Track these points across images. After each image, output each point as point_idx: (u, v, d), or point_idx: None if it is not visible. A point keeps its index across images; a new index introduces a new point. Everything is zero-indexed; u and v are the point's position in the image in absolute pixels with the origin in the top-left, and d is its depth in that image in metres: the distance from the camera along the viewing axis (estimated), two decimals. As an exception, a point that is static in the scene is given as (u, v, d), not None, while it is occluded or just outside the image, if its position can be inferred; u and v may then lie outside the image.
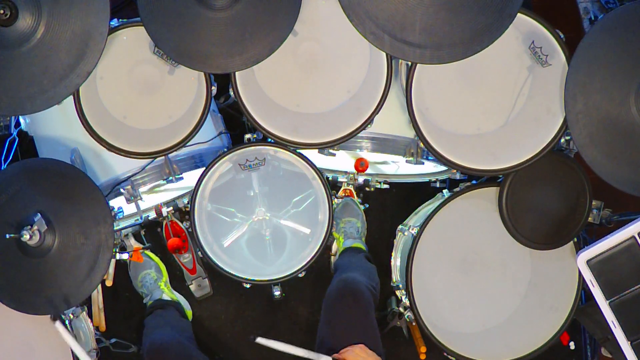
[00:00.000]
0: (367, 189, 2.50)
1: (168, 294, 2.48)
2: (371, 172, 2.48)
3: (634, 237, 1.87)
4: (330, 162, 2.29)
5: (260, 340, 1.77)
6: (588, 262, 1.91)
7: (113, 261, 2.22)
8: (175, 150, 2.06)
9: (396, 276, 2.38)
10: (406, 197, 2.65)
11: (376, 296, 2.12)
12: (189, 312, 2.51)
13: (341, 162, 2.37)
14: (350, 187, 2.48)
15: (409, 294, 2.13)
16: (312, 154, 2.17)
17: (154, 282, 2.49)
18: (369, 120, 2.04)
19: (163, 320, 2.34)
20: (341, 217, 2.51)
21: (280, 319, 2.62)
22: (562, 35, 1.93)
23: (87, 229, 1.91)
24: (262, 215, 2.22)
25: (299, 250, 2.21)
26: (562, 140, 2.04)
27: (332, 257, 2.50)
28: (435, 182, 2.41)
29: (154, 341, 2.13)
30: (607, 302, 1.90)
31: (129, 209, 2.26)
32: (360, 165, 2.24)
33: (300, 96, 2.08)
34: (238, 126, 2.50)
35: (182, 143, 2.05)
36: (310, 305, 2.64)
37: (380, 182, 2.47)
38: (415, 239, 2.13)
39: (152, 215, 2.38)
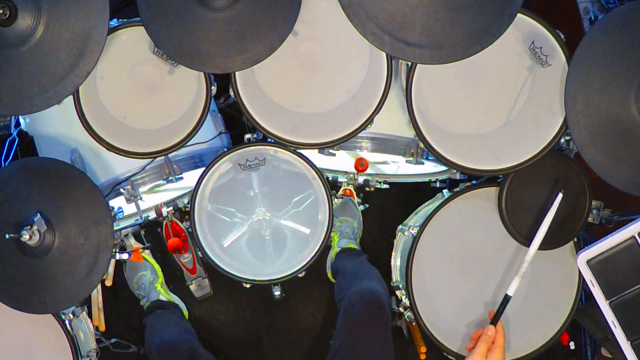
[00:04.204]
0: (367, 189, 2.51)
1: (165, 295, 2.49)
2: (371, 172, 2.48)
3: (634, 237, 1.87)
4: (330, 162, 2.29)
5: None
6: (588, 262, 1.91)
7: (113, 261, 2.22)
8: (175, 150, 2.06)
9: (396, 276, 2.38)
10: (406, 197, 2.65)
11: (391, 306, 2.13)
12: (185, 313, 2.52)
13: (341, 162, 2.37)
14: (350, 187, 2.49)
15: (409, 294, 2.13)
16: (312, 154, 2.17)
17: (150, 283, 2.49)
18: (369, 120, 2.04)
19: (166, 320, 2.35)
20: (338, 215, 2.52)
21: (280, 319, 2.62)
22: (562, 35, 1.93)
23: (87, 229, 1.91)
24: (262, 215, 2.22)
25: (299, 250, 2.21)
26: (562, 140, 2.04)
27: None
28: (435, 182, 2.41)
29: (164, 340, 2.14)
30: (607, 302, 1.90)
31: (129, 209, 2.26)
32: (360, 165, 2.25)
33: (300, 96, 2.07)
34: (238, 126, 2.50)
35: (182, 143, 2.05)
36: (310, 305, 2.64)
37: (380, 182, 2.47)
38: (415, 239, 2.13)
39: (152, 215, 2.38)
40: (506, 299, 1.90)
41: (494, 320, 1.90)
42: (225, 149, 2.15)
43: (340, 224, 2.53)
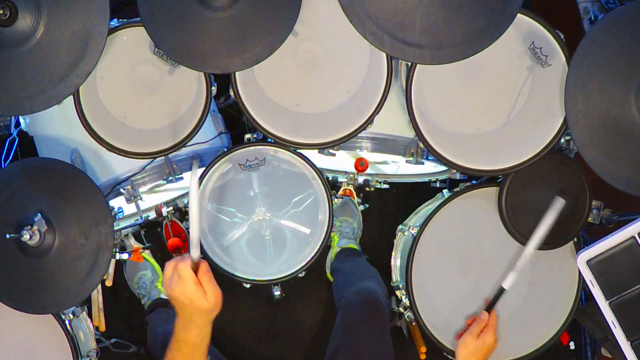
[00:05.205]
0: (367, 189, 2.51)
1: (165, 293, 2.49)
2: (371, 172, 2.48)
3: (634, 237, 1.87)
4: (330, 162, 2.29)
5: None
6: (588, 262, 1.91)
7: (113, 261, 2.22)
8: (175, 150, 2.06)
9: (396, 276, 2.38)
10: (406, 197, 2.65)
11: (390, 306, 2.13)
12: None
13: (341, 162, 2.37)
14: (350, 187, 2.49)
15: (409, 294, 2.13)
16: (312, 154, 2.17)
17: (151, 282, 2.49)
18: (369, 120, 2.04)
19: (169, 315, 2.35)
20: (338, 215, 2.52)
21: (280, 319, 2.63)
22: (562, 36, 1.93)
23: (87, 229, 1.91)
24: (262, 215, 2.22)
25: (299, 250, 2.21)
26: (562, 140, 2.04)
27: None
28: (435, 182, 2.42)
29: (169, 331, 2.13)
30: (607, 302, 1.90)
31: (129, 209, 2.26)
32: (360, 165, 2.25)
33: (300, 96, 2.07)
34: (238, 126, 2.50)
35: (182, 143, 2.05)
36: (310, 305, 2.65)
37: (380, 182, 2.47)
38: (415, 239, 2.12)
39: (152, 215, 2.38)
40: (500, 291, 1.93)
41: (488, 308, 1.95)
42: (225, 149, 2.15)
43: (340, 224, 2.53)
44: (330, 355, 2.01)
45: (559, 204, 1.87)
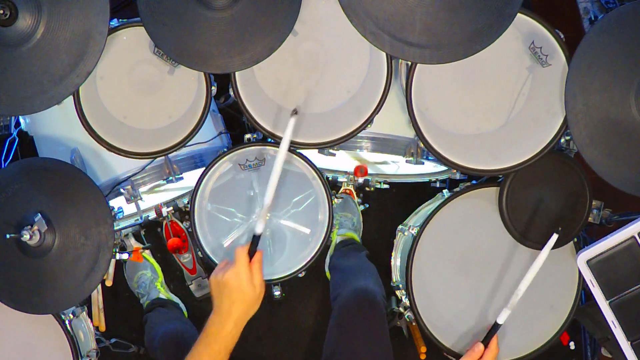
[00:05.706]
0: (367, 189, 2.51)
1: (164, 294, 2.49)
2: (371, 172, 2.48)
3: (634, 237, 1.87)
4: (330, 162, 2.29)
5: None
6: (588, 262, 1.91)
7: (113, 261, 2.22)
8: (175, 150, 2.06)
9: (396, 276, 2.38)
10: (406, 197, 2.65)
11: (386, 305, 2.13)
12: (185, 313, 2.52)
13: (341, 162, 2.37)
14: (350, 187, 2.49)
15: (409, 294, 2.13)
16: (312, 154, 2.17)
17: (151, 282, 2.49)
18: (369, 120, 2.04)
19: (168, 315, 2.35)
20: (338, 212, 2.52)
21: (280, 319, 2.62)
22: (562, 35, 1.93)
23: (87, 229, 1.91)
24: (262, 215, 2.22)
25: (299, 250, 2.21)
26: (562, 140, 2.04)
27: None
28: (435, 182, 2.42)
29: (168, 330, 2.14)
30: (607, 302, 1.90)
31: (129, 209, 2.26)
32: (360, 171, 2.25)
33: (300, 96, 2.07)
34: (238, 126, 2.50)
35: (182, 143, 2.05)
36: (310, 305, 2.65)
37: (380, 182, 2.47)
38: (415, 239, 2.12)
39: (152, 215, 2.38)
40: (495, 327, 1.74)
41: (485, 340, 1.77)
42: (225, 149, 2.15)
43: (339, 218, 2.53)
44: (329, 356, 2.01)
45: (552, 239, 1.66)
